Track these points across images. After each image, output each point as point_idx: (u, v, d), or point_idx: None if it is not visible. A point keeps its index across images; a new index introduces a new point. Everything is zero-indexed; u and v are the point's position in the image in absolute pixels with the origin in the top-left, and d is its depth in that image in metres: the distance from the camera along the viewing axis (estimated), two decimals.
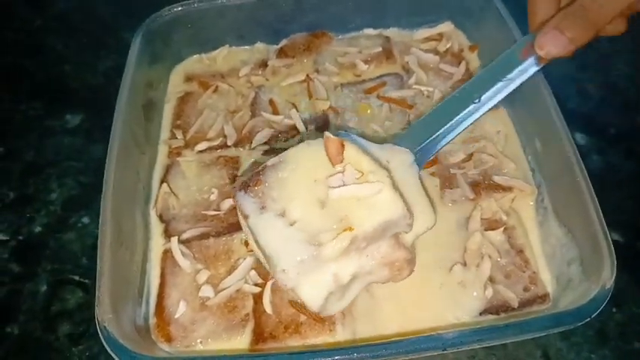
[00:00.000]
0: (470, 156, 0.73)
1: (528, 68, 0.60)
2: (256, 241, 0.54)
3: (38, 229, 0.79)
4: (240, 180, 0.57)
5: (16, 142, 0.89)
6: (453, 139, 0.62)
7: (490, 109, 0.61)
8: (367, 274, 0.55)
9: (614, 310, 0.69)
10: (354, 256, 0.53)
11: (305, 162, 0.56)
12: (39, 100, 0.95)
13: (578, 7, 0.53)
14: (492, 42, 0.82)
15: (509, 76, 0.61)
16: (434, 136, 0.61)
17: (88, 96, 0.95)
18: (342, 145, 0.55)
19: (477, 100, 0.61)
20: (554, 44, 0.55)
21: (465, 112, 0.61)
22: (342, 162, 0.55)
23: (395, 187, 0.54)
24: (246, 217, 0.54)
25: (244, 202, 0.55)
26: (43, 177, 0.85)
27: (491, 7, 0.81)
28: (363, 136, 0.74)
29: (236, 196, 0.56)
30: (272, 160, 0.56)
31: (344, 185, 0.53)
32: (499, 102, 0.61)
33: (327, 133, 0.55)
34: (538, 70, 0.60)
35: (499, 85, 0.61)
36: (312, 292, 0.51)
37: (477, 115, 0.61)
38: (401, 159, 0.60)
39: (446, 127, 0.61)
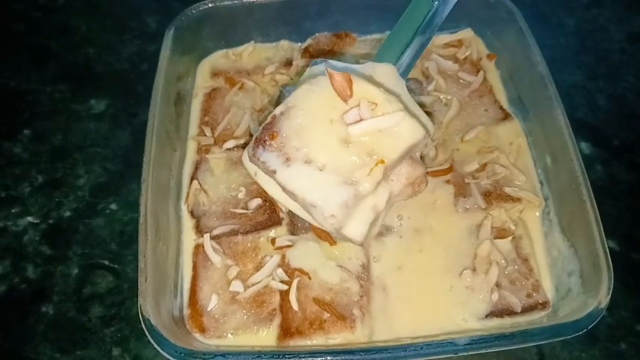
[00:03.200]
0: (483, 166, 0.77)
1: None
2: (291, 193, 0.54)
3: (67, 213, 0.83)
4: (254, 138, 0.56)
5: (44, 124, 0.92)
6: (428, 45, 0.63)
7: (454, 6, 0.63)
8: (395, 196, 0.57)
9: (604, 313, 0.75)
10: (384, 184, 0.55)
11: (315, 104, 0.55)
12: (65, 83, 0.97)
13: None
14: (510, 53, 0.86)
15: None
16: (408, 48, 0.63)
17: (113, 81, 0.97)
18: (349, 80, 0.55)
19: (435, 2, 0.63)
20: None
21: (430, 16, 0.63)
22: (352, 96, 0.55)
23: (409, 110, 0.56)
24: (273, 172, 0.54)
25: (267, 158, 0.54)
26: (71, 162, 0.88)
27: (512, 20, 0.83)
28: None
29: (256, 154, 0.55)
30: (279, 108, 0.56)
31: (362, 120, 0.54)
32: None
33: (329, 70, 0.55)
34: None
35: None
36: (358, 228, 0.54)
37: (441, 16, 0.63)
38: (386, 72, 0.61)
39: (417, 35, 0.63)
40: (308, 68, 0.66)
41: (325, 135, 0.54)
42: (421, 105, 0.81)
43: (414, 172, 0.57)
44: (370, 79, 0.58)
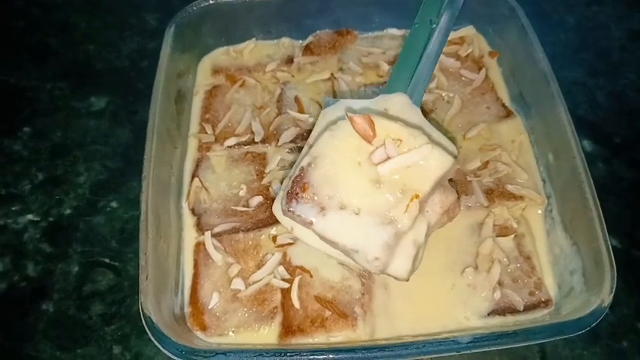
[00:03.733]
0: (485, 164, 0.77)
1: None
2: (331, 242, 0.54)
3: (68, 211, 0.83)
4: (283, 194, 0.57)
5: (44, 122, 0.92)
6: (434, 67, 0.65)
7: (451, 30, 0.66)
8: (432, 226, 0.57)
9: (606, 311, 0.76)
10: (421, 218, 0.55)
11: (340, 150, 0.56)
12: (64, 81, 0.96)
13: None
14: (512, 50, 0.85)
15: None
16: (416, 73, 0.64)
17: (113, 79, 0.97)
18: (371, 121, 0.55)
19: (433, 25, 0.65)
20: None
21: (431, 40, 0.65)
22: (375, 137, 0.55)
23: (433, 139, 0.56)
24: (310, 223, 0.54)
25: (302, 210, 0.55)
26: (71, 159, 0.88)
27: (514, 16, 0.83)
28: None
29: (290, 209, 0.55)
30: (305, 160, 0.56)
31: (389, 158, 0.54)
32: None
33: (349, 115, 0.56)
34: None
35: (444, 4, 0.66)
36: (402, 265, 0.54)
37: (441, 37, 0.65)
38: (400, 103, 0.62)
39: (422, 60, 0.65)
40: (322, 111, 0.65)
41: (355, 179, 0.55)
42: (424, 103, 0.83)
43: (447, 199, 0.58)
44: (385, 114, 0.59)
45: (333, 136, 0.57)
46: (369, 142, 0.56)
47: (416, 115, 0.62)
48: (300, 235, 0.60)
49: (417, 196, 0.53)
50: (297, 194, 0.55)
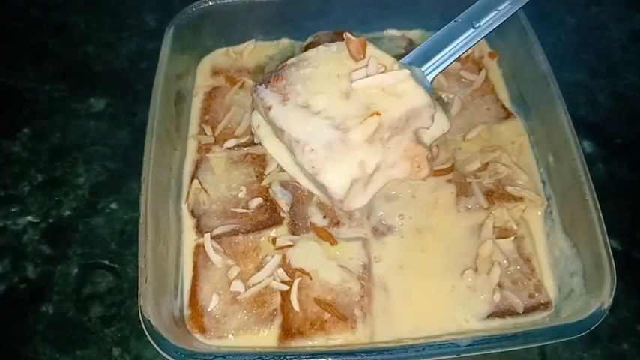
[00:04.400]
0: (485, 165, 0.77)
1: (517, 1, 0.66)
2: (280, 130, 0.54)
3: (67, 212, 0.83)
4: (261, 79, 0.59)
5: (43, 123, 0.91)
6: (456, 60, 0.66)
7: (486, 35, 0.67)
8: (390, 168, 0.57)
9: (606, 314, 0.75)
10: (379, 146, 0.55)
11: (327, 59, 0.58)
12: (64, 82, 0.96)
13: None
14: (512, 51, 0.85)
15: (501, 7, 0.67)
16: (437, 57, 0.65)
17: (112, 80, 0.97)
18: (364, 44, 0.57)
19: (476, 25, 0.66)
20: None
21: (465, 35, 0.66)
22: (363, 58, 0.57)
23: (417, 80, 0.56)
24: (268, 107, 0.55)
25: (265, 95, 0.56)
26: (70, 161, 0.88)
27: (513, 17, 0.83)
28: None
29: (257, 90, 0.57)
30: (292, 60, 0.58)
31: (368, 76, 0.55)
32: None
33: (347, 34, 0.57)
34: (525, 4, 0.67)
35: (493, 13, 0.67)
36: (338, 177, 0.53)
37: (476, 40, 0.66)
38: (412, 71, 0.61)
39: (448, 49, 0.66)
40: None
41: (329, 86, 0.56)
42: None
43: (414, 148, 0.57)
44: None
45: (326, 48, 0.59)
46: (356, 60, 0.57)
47: (423, 86, 0.62)
48: (261, 137, 0.60)
49: (378, 114, 0.53)
50: (268, 82, 0.57)
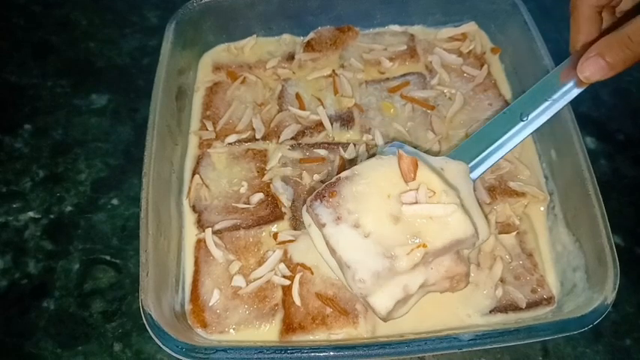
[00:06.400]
0: None
1: (570, 90, 0.63)
2: (332, 249, 0.57)
3: (69, 208, 0.83)
4: (315, 192, 0.60)
5: (45, 119, 0.92)
6: (504, 156, 0.66)
7: (538, 129, 0.65)
8: (431, 285, 0.59)
9: (609, 309, 0.75)
10: (422, 269, 0.57)
11: (378, 177, 0.59)
12: (65, 78, 0.96)
13: (624, 37, 0.55)
14: (514, 46, 0.85)
15: (554, 96, 0.64)
16: (485, 153, 0.65)
17: (114, 76, 0.96)
18: (416, 164, 0.58)
19: (524, 119, 0.65)
20: (594, 70, 0.57)
21: (513, 130, 0.65)
22: (414, 179, 0.58)
23: (465, 207, 0.58)
24: (322, 225, 0.57)
25: (321, 211, 0.58)
26: (72, 157, 0.87)
27: (516, 12, 0.83)
28: (387, 136, 0.78)
29: (312, 206, 0.58)
30: (345, 173, 0.60)
31: (417, 203, 0.57)
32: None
33: (400, 151, 0.59)
34: (580, 92, 0.63)
35: (545, 104, 0.64)
36: (383, 301, 0.56)
37: (525, 133, 0.65)
38: (457, 169, 0.64)
39: (496, 144, 0.65)
40: (387, 147, 0.67)
41: (379, 207, 0.57)
42: (426, 100, 0.82)
43: (455, 267, 0.59)
44: (438, 172, 0.61)
45: (378, 163, 0.60)
46: (406, 181, 0.58)
47: (467, 187, 0.63)
48: (312, 235, 0.62)
49: (424, 246, 0.55)
50: (323, 197, 0.58)
